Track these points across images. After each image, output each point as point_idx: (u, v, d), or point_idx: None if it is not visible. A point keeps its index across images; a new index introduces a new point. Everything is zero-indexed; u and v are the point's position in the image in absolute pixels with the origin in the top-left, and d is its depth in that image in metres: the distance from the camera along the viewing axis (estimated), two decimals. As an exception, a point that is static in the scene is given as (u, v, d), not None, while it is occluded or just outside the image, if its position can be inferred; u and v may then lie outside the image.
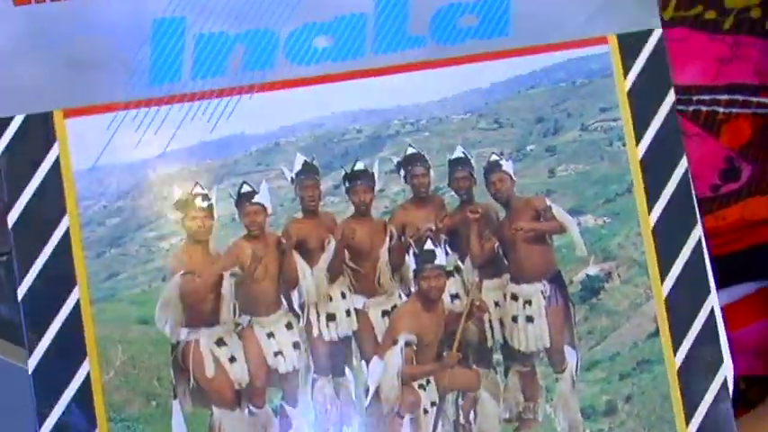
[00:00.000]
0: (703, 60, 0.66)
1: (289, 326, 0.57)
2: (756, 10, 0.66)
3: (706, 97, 0.65)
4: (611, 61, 0.60)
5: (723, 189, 0.66)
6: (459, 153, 0.59)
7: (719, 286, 0.64)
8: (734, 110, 0.65)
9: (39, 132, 0.56)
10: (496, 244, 0.59)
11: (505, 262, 0.59)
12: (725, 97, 0.66)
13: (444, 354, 0.58)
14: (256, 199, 0.58)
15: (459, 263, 0.58)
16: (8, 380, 0.57)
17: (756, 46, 0.65)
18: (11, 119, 0.56)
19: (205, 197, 0.57)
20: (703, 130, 0.64)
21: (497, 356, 0.58)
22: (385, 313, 0.58)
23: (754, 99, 0.65)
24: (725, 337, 0.58)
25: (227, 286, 0.57)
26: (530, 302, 0.58)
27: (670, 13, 0.67)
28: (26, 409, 0.54)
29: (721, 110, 0.66)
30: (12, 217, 0.56)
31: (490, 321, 0.58)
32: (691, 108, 0.65)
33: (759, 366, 0.71)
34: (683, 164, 0.59)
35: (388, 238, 0.58)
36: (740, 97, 0.65)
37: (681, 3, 0.68)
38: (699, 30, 0.65)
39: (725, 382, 0.58)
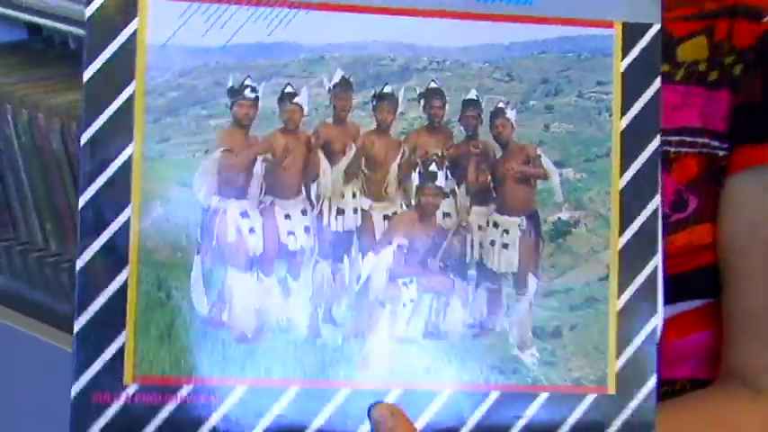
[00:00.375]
0: None
1: (304, 212, 0.67)
2: (703, 64, 0.77)
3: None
4: (613, 43, 0.70)
5: (672, 218, 0.77)
6: (472, 95, 0.69)
7: (670, 301, 0.74)
8: (683, 149, 0.76)
9: (124, 5, 0.65)
10: (489, 177, 0.69)
11: (494, 194, 0.69)
12: (675, 138, 0.77)
13: (429, 260, 0.68)
14: (296, 100, 0.67)
15: (456, 187, 0.68)
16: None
17: (702, 95, 0.76)
18: (100, -11, 0.65)
19: (253, 89, 0.66)
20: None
21: (472, 271, 0.68)
22: (386, 217, 0.68)
23: (699, 140, 0.75)
24: (662, 292, 0.69)
25: (259, 168, 0.66)
26: (507, 231, 0.69)
27: None
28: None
29: (672, 149, 0.76)
30: (87, 74, 0.65)
31: (472, 241, 0.68)
32: None
33: (702, 370, 0.82)
34: (657, 141, 0.69)
35: (400, 155, 0.68)
36: (688, 138, 0.76)
37: None
38: None
39: (654, 329, 0.69)
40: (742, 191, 0.77)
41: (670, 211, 0.77)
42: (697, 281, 0.80)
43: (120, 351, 0.64)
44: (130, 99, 0.65)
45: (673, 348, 0.80)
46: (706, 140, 0.76)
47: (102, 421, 0.63)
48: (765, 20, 0.76)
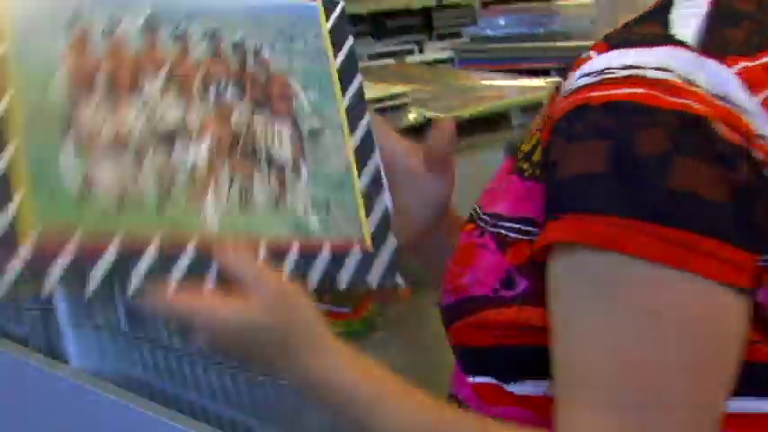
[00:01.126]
0: (512, 198, 0.86)
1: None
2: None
3: (506, 224, 0.85)
4: (319, 12, 0.98)
5: (500, 292, 0.84)
6: (238, 39, 0.92)
7: (515, 378, 0.82)
8: (519, 236, 0.84)
9: None
10: (261, 94, 0.92)
11: (266, 106, 0.92)
12: (515, 226, 0.85)
13: (235, 151, 0.88)
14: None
15: (240, 100, 0.90)
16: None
17: (539, 191, 0.82)
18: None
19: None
20: (497, 248, 0.85)
21: (263, 160, 0.90)
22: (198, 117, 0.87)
23: (533, 230, 0.83)
24: (386, 183, 0.95)
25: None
26: (281, 132, 0.91)
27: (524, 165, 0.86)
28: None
29: (512, 235, 0.85)
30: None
31: (259, 138, 0.90)
32: (494, 230, 0.85)
33: None
34: (358, 78, 0.97)
35: (200, 74, 0.89)
36: (524, 227, 0.84)
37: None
38: (518, 175, 0.86)
39: (386, 204, 0.94)
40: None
41: (499, 287, 0.85)
42: (537, 359, 0.83)
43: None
44: None
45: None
46: (534, 229, 0.83)
47: None
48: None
